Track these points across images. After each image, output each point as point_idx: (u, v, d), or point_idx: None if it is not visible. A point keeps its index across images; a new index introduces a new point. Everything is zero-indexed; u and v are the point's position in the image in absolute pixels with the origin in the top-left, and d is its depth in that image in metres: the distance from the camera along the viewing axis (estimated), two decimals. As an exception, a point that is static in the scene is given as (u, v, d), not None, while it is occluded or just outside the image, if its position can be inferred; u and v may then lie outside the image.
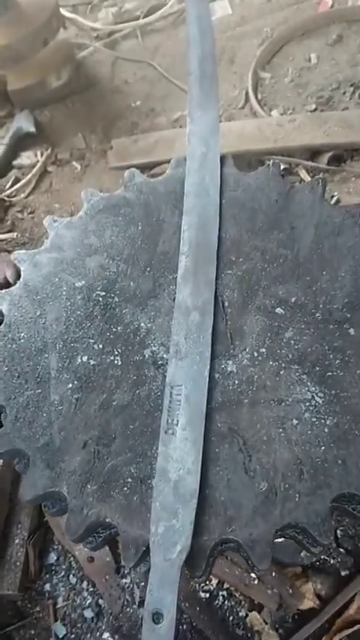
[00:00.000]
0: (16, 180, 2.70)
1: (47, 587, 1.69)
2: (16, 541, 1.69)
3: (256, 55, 2.93)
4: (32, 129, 2.84)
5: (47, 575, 1.70)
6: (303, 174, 2.34)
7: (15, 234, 2.48)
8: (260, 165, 2.49)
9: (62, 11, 3.21)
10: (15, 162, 2.79)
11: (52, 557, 1.73)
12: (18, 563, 1.66)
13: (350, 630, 1.48)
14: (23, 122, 2.87)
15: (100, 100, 3.06)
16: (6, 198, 2.62)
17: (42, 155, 2.77)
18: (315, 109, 2.59)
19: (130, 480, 1.00)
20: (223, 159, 1.31)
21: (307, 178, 2.34)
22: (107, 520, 0.98)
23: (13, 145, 2.82)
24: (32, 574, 1.69)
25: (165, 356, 1.11)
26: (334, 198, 2.21)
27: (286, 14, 3.14)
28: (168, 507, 0.95)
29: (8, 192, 2.65)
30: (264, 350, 1.10)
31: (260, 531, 0.94)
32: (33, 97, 3.01)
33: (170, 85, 2.98)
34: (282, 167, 2.36)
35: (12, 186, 2.67)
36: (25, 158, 2.77)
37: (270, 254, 1.19)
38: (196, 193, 1.25)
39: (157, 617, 0.88)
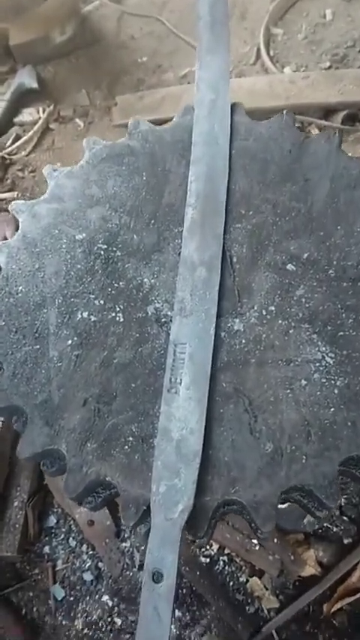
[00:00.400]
0: (17, 138, 2.61)
1: (46, 549, 1.68)
2: (15, 503, 1.67)
3: (269, 10, 2.80)
4: (35, 85, 2.74)
5: (47, 538, 1.69)
6: (315, 133, 2.25)
7: (15, 193, 2.41)
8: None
9: None
10: (16, 119, 2.70)
11: (52, 521, 1.71)
12: (17, 526, 1.65)
13: (352, 598, 1.47)
14: (25, 78, 2.77)
15: (105, 55, 2.94)
16: (6, 156, 2.54)
17: (44, 112, 2.67)
18: (329, 67, 2.48)
19: (131, 438, 0.97)
20: (234, 106, 1.23)
21: (319, 139, 2.25)
22: (107, 479, 0.95)
23: (14, 101, 2.72)
24: (31, 536, 1.68)
25: (169, 313, 1.06)
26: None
27: (301, -32, 3.00)
28: (170, 466, 0.91)
29: (9, 149, 2.56)
30: (273, 308, 1.05)
31: (265, 493, 0.90)
32: (36, 52, 2.90)
33: (178, 41, 2.86)
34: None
35: (13, 143, 2.59)
36: (27, 115, 2.68)
37: (282, 207, 1.12)
38: (204, 142, 1.18)
39: (157, 576, 0.86)
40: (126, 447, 0.96)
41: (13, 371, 1.04)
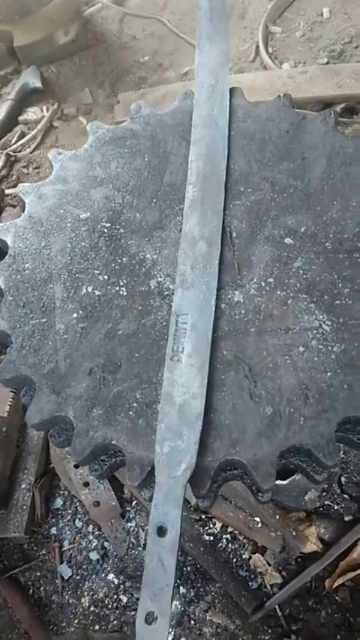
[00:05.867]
0: (22, 136, 2.67)
1: (53, 530, 1.71)
2: (23, 486, 1.71)
3: (267, 9, 2.85)
4: (39, 84, 2.79)
5: (53, 520, 1.72)
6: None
7: (21, 189, 2.45)
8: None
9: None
10: (21, 118, 2.75)
11: (59, 503, 1.74)
12: (24, 507, 1.68)
13: (354, 573, 1.49)
14: (30, 78, 2.82)
15: (107, 55, 3.00)
16: (11, 154, 2.59)
17: (48, 110, 2.73)
18: (327, 63, 2.52)
19: (135, 404, 1.00)
20: (232, 91, 1.27)
21: (318, 132, 2.28)
22: (113, 442, 0.98)
23: (19, 100, 2.78)
24: (38, 518, 1.71)
25: (171, 287, 1.10)
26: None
27: (298, -32, 3.05)
28: (173, 429, 0.94)
29: (14, 147, 2.62)
30: (272, 280, 1.08)
31: (264, 452, 0.93)
32: (40, 53, 2.96)
33: (179, 41, 2.92)
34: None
35: (17, 141, 2.64)
36: (31, 113, 2.73)
37: (280, 185, 1.16)
38: (204, 124, 1.22)
39: (161, 530, 0.88)
40: (130, 412, 0.99)
41: (22, 343, 1.08)
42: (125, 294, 1.11)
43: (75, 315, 1.10)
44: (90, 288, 1.12)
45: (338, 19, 2.76)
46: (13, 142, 2.64)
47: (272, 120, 1.23)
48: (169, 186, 1.20)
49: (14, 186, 2.48)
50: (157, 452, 0.94)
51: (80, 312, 1.10)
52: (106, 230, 1.18)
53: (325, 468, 0.97)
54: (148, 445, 0.96)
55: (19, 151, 2.61)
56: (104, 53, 3.02)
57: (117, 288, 1.12)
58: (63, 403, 1.02)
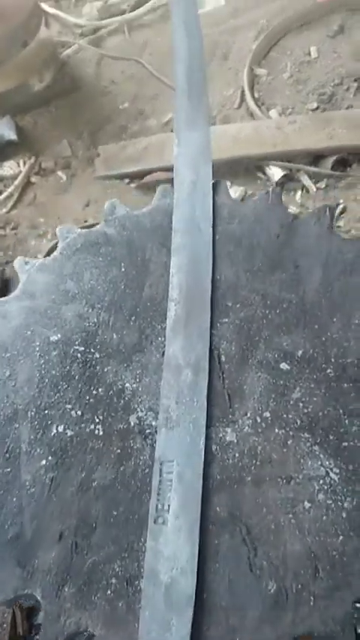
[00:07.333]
0: (-2, 193, 2.53)
1: (38, 650, 1.55)
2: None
3: (252, 49, 2.73)
4: (14, 136, 2.65)
5: (37, 637, 1.56)
6: (305, 180, 2.16)
7: (-3, 252, 2.32)
8: (258, 171, 2.34)
9: (44, 6, 3.02)
10: (-4, 174, 2.62)
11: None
12: (4, 625, 1.52)
13: None
14: (4, 129, 2.68)
15: (85, 102, 2.87)
16: (-13, 214, 2.45)
17: (25, 165, 2.59)
18: (317, 108, 2.40)
19: (114, 580, 0.86)
20: (215, 186, 1.14)
21: (309, 184, 2.16)
22: (89, 630, 0.83)
23: (-6, 154, 2.65)
24: (20, 635, 1.55)
25: (153, 423, 0.97)
26: (340, 207, 2.03)
27: (283, 4, 2.93)
28: (159, 618, 0.81)
29: (-11, 206, 2.48)
30: (268, 414, 0.95)
31: (268, 645, 0.79)
32: (14, 101, 2.81)
33: (160, 84, 2.79)
34: (282, 173, 2.19)
35: (-7, 200, 2.51)
36: (7, 169, 2.59)
37: (272, 298, 1.03)
38: (185, 229, 1.09)
39: None
40: (108, 591, 0.85)
41: (-19, 501, 0.94)
42: (101, 433, 0.97)
43: (43, 462, 0.96)
44: (61, 428, 0.98)
45: (327, 59, 2.64)
46: (-12, 201, 2.50)
47: (261, 221, 1.10)
48: (150, 300, 1.07)
49: (-9, 249, 2.34)
50: (140, 649, 0.79)
51: (50, 458, 0.96)
52: (79, 355, 1.04)
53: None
54: (129, 636, 0.82)
55: (-5, 211, 2.47)
56: (82, 99, 2.89)
57: (92, 427, 0.98)
58: (29, 579, 0.88)
